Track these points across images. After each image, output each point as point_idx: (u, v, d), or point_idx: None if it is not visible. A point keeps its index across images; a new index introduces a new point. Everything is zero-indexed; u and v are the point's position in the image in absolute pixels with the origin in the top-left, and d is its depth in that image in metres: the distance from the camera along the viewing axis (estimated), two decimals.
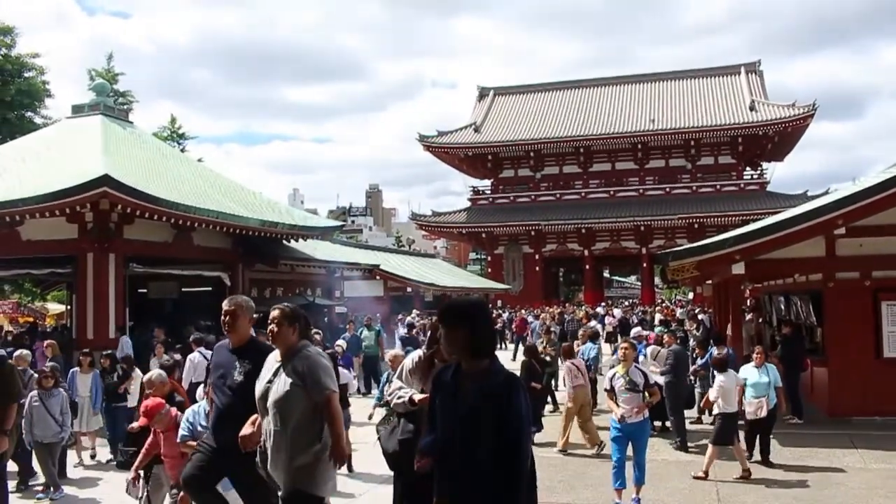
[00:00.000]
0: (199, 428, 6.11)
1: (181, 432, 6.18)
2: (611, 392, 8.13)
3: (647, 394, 8.04)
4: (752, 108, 48.38)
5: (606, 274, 73.59)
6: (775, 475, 9.00)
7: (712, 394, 9.37)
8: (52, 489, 8.72)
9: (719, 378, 9.37)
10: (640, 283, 63.09)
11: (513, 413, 3.28)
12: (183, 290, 23.16)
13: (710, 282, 22.90)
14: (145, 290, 22.78)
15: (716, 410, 9.30)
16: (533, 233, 51.36)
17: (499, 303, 47.98)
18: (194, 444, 6.02)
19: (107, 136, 19.14)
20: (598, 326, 25.76)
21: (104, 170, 15.37)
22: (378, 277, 33.98)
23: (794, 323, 14.39)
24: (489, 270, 55.83)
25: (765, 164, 52.79)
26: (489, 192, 55.80)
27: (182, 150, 41.76)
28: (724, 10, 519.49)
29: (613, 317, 28.60)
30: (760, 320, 17.73)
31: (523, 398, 3.35)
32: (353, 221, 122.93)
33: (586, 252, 52.09)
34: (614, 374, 8.22)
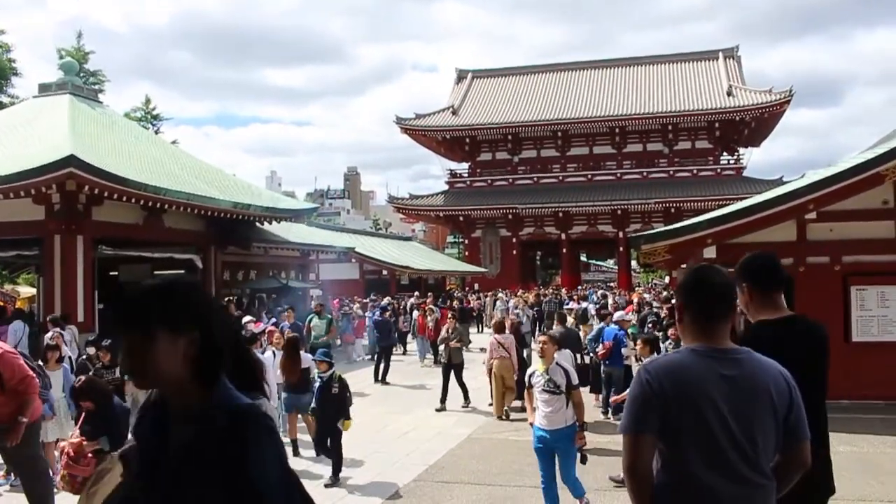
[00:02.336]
0: None
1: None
2: (530, 390, 7.18)
3: (569, 396, 6.92)
4: (729, 94, 48.50)
5: (584, 258, 73.85)
6: None
7: None
8: (12, 475, 8.26)
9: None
10: (617, 268, 63.31)
11: (251, 480, 1.82)
12: (155, 272, 22.91)
13: (684, 266, 22.96)
14: (116, 273, 22.51)
15: None
16: (510, 216, 51.33)
17: (475, 286, 48.02)
18: None
19: (74, 115, 18.82)
20: (591, 307, 25.73)
21: (71, 150, 15.10)
22: (353, 260, 33.94)
23: (672, 307, 14.51)
24: (466, 254, 55.80)
25: (741, 150, 53.01)
26: (467, 175, 55.64)
27: (156, 132, 41.35)
28: None
29: (578, 303, 27.46)
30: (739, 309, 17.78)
31: (272, 449, 1.89)
32: (330, 204, 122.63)
33: (563, 236, 52.16)
34: (534, 372, 7.22)
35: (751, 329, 2.93)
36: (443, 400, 13.38)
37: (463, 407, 13.33)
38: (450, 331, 14.35)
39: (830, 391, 11.27)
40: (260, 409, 1.94)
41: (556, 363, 7.10)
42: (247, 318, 15.60)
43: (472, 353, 19.83)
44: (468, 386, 13.83)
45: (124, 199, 16.51)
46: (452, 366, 13.69)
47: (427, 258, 47.25)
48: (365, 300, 27.12)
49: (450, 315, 15.80)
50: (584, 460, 6.97)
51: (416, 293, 32.00)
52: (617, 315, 15.67)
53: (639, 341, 9.67)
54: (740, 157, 52.15)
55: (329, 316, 17.25)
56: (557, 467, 6.90)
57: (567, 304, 27.23)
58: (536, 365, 7.29)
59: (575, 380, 7.05)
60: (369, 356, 21.01)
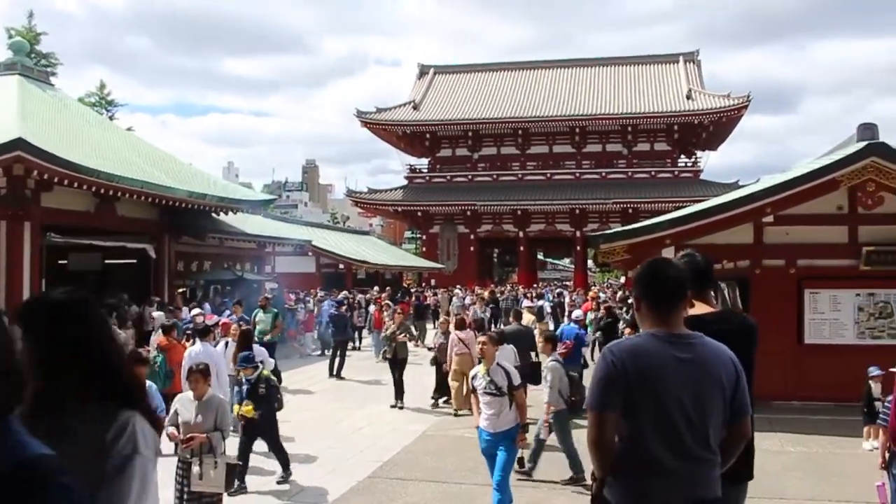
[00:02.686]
0: None
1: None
2: (474, 393, 7.11)
3: (512, 397, 6.78)
4: (688, 97, 48.99)
5: (541, 256, 74.16)
6: None
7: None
8: None
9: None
10: (573, 266, 63.71)
11: None
12: (106, 261, 22.39)
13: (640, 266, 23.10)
14: (65, 262, 21.94)
15: None
16: (469, 213, 51.28)
17: (432, 282, 47.95)
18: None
19: (24, 97, 18.25)
20: (547, 305, 25.65)
21: (19, 133, 14.60)
22: (310, 253, 33.61)
23: (610, 306, 14.70)
24: (424, 249, 55.65)
25: (699, 153, 53.58)
26: (426, 170, 55.44)
27: (111, 118, 40.44)
28: (666, 0, 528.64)
29: (533, 301, 25.44)
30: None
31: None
32: (288, 196, 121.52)
33: (521, 234, 52.27)
34: (475, 374, 7.11)
35: (690, 323, 3.01)
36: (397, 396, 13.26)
37: (392, 406, 12.99)
38: (397, 325, 13.96)
39: (782, 392, 11.46)
40: (54, 461, 1.45)
41: (497, 364, 6.94)
42: (195, 311, 15.19)
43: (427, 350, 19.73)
44: (427, 381, 13.73)
45: (75, 185, 16.03)
46: (398, 361, 13.42)
47: (384, 253, 47.01)
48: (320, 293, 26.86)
49: (398, 310, 15.37)
50: (521, 463, 6.84)
51: (377, 288, 31.81)
52: (575, 314, 15.69)
53: (539, 338, 9.70)
54: (698, 160, 52.71)
55: (275, 311, 16.37)
56: (496, 468, 6.74)
57: (523, 302, 27.05)
58: (478, 367, 7.14)
59: (516, 380, 6.87)
60: (319, 351, 20.83)
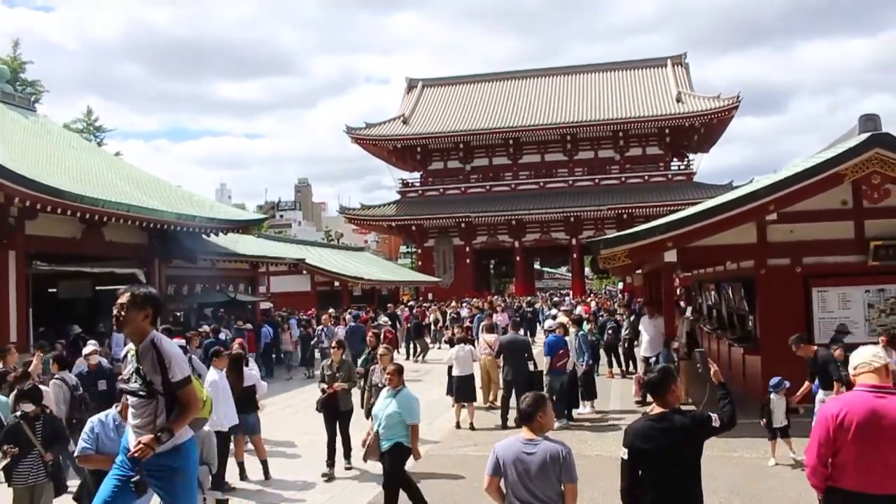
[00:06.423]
0: (107, 441, 5.31)
1: (82, 444, 5.32)
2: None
3: (173, 400, 4.20)
4: (678, 100, 48.92)
5: (537, 265, 73.90)
6: (710, 467, 8.66)
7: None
8: None
9: (452, 350, 13.04)
10: (570, 274, 63.44)
11: None
12: (97, 288, 21.95)
13: (640, 271, 22.77)
14: (55, 290, 21.50)
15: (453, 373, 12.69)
16: (463, 225, 51.03)
17: (430, 296, 47.56)
18: (98, 458, 5.23)
19: (4, 123, 17.91)
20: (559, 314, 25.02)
21: None
22: (304, 272, 33.26)
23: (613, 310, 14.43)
24: (420, 263, 55.33)
25: (691, 156, 53.56)
26: (418, 184, 55.21)
27: (99, 144, 40.21)
28: (651, 10, 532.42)
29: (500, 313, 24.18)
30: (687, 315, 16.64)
31: None
32: (281, 216, 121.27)
33: (517, 244, 52.02)
34: (125, 353, 4.44)
35: (641, 424, 4.45)
36: (331, 459, 9.83)
37: (346, 468, 9.89)
38: (335, 367, 9.89)
39: (794, 395, 11.02)
40: None
41: (151, 342, 4.20)
42: (90, 348, 12.34)
43: (429, 364, 19.33)
44: (428, 397, 13.27)
45: (59, 211, 15.63)
46: (338, 413, 9.90)
47: (380, 269, 46.67)
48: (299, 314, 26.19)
49: (334, 345, 10.50)
50: (139, 489, 4.10)
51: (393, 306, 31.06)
52: (547, 324, 15.25)
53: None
54: (690, 162, 52.63)
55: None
56: None
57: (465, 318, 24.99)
58: (129, 345, 4.40)
59: (180, 372, 4.18)
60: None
